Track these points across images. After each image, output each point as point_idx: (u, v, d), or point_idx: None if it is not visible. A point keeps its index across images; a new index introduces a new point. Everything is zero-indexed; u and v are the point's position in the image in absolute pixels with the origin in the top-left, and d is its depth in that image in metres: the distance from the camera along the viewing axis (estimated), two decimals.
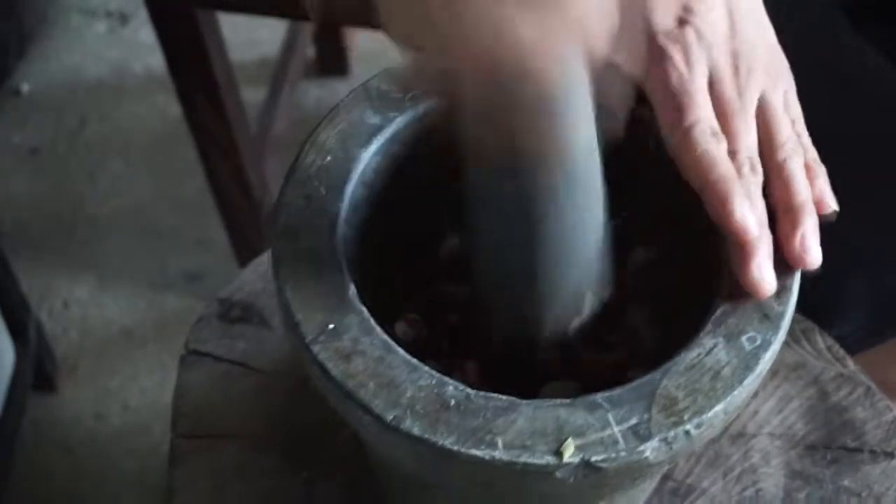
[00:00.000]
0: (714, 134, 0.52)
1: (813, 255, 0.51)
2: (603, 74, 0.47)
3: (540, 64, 0.43)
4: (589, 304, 0.55)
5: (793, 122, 0.55)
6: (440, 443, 0.45)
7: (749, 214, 0.50)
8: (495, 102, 0.45)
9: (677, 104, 0.53)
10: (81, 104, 1.85)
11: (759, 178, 0.52)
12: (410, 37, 0.44)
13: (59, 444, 1.46)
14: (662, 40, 0.54)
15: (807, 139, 0.55)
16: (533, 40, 0.42)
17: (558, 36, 0.43)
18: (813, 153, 0.55)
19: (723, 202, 0.50)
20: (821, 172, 0.54)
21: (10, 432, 1.35)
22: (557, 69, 0.44)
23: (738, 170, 0.52)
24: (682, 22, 0.54)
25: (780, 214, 0.52)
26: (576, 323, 0.55)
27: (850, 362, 0.73)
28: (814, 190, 0.53)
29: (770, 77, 0.55)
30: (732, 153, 0.52)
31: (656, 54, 0.54)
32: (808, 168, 0.54)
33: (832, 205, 0.53)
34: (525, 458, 0.44)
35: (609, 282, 0.56)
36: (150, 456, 1.43)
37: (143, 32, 1.91)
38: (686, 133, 0.52)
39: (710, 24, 0.54)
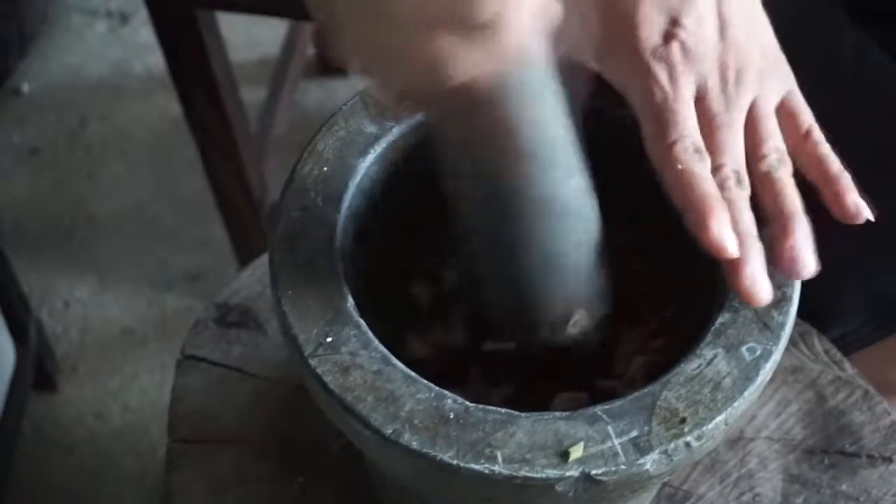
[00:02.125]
0: (697, 151, 0.52)
1: (804, 264, 0.51)
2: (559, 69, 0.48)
3: (483, 87, 0.44)
4: (581, 318, 0.55)
5: (807, 131, 0.55)
6: (439, 457, 0.45)
7: (727, 233, 0.49)
8: (451, 125, 0.47)
9: (660, 121, 0.52)
10: (81, 104, 1.85)
11: (747, 192, 0.52)
12: (363, 66, 0.45)
13: (59, 444, 1.46)
14: (648, 58, 0.53)
15: (826, 148, 0.54)
16: (470, 70, 0.43)
17: (495, 62, 0.44)
18: (836, 164, 0.54)
19: (701, 221, 0.50)
20: (848, 184, 0.53)
21: (10, 432, 1.35)
22: (504, 88, 0.45)
23: (724, 183, 0.51)
24: (668, 37, 0.54)
25: (771, 226, 0.52)
26: (571, 334, 0.55)
27: (847, 366, 0.73)
28: (846, 203, 0.52)
29: (763, 82, 0.55)
30: (719, 167, 0.52)
31: (641, 71, 0.54)
32: (833, 180, 0.53)
33: (867, 214, 0.53)
34: (525, 471, 0.44)
35: (602, 300, 0.56)
36: (150, 456, 1.42)
37: (143, 32, 1.90)
38: (668, 150, 0.52)
39: (698, 37, 0.54)
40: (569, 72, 0.51)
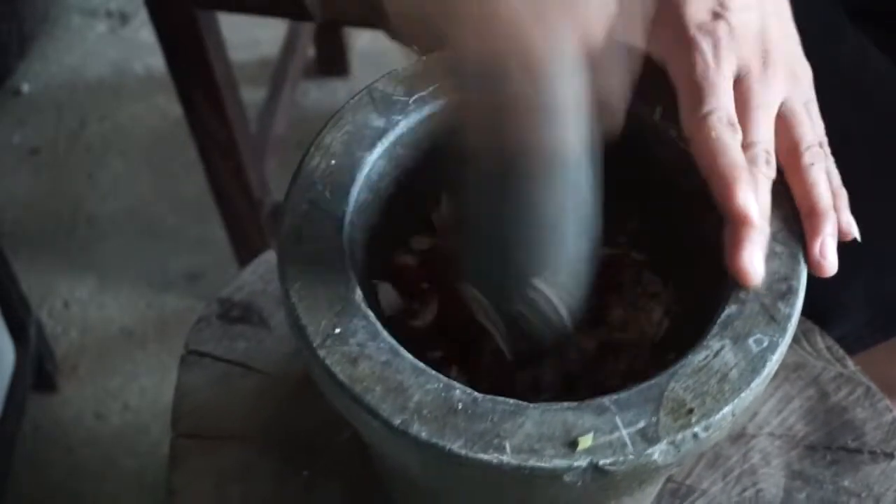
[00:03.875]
0: (730, 123, 0.53)
1: (830, 263, 0.52)
2: (602, 65, 0.48)
3: (534, 43, 0.44)
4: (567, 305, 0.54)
5: (820, 140, 0.56)
6: (448, 447, 0.45)
7: (752, 200, 0.51)
8: (487, 96, 0.47)
9: (698, 91, 0.54)
10: (81, 104, 1.85)
11: (772, 174, 0.53)
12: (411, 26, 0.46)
13: (59, 444, 1.46)
14: (694, 31, 0.55)
15: (830, 162, 0.56)
16: (528, 17, 0.44)
17: (555, 14, 0.44)
18: (837, 179, 0.55)
19: (727, 186, 0.51)
20: (845, 202, 0.55)
21: (10, 432, 1.35)
22: (550, 51, 0.45)
23: (754, 160, 0.52)
24: (716, 16, 0.55)
25: (802, 219, 0.53)
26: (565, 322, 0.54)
27: (849, 362, 0.73)
28: (840, 220, 0.54)
29: (792, 85, 0.56)
30: (750, 144, 0.53)
31: (686, 43, 0.55)
32: (833, 196, 0.54)
33: (855, 234, 0.54)
34: (533, 462, 0.44)
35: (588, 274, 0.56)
36: (150, 456, 1.42)
37: (144, 32, 1.91)
38: (703, 119, 0.53)
39: (743, 21, 0.55)
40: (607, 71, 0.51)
